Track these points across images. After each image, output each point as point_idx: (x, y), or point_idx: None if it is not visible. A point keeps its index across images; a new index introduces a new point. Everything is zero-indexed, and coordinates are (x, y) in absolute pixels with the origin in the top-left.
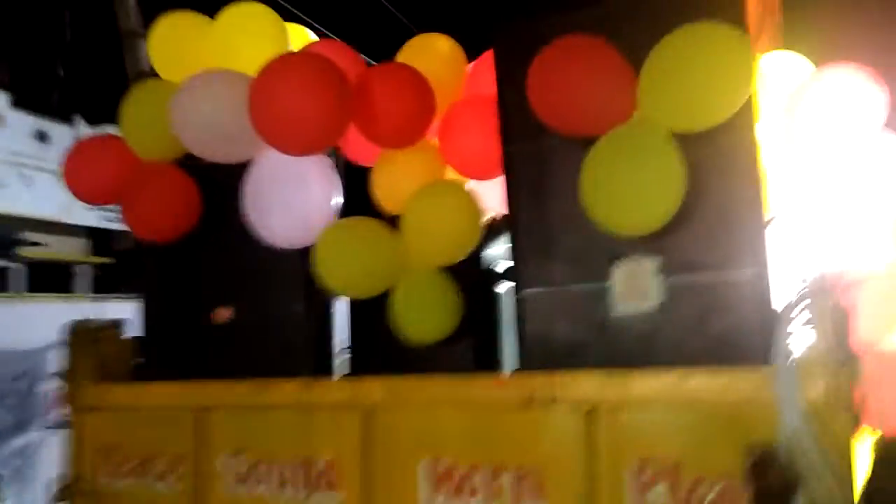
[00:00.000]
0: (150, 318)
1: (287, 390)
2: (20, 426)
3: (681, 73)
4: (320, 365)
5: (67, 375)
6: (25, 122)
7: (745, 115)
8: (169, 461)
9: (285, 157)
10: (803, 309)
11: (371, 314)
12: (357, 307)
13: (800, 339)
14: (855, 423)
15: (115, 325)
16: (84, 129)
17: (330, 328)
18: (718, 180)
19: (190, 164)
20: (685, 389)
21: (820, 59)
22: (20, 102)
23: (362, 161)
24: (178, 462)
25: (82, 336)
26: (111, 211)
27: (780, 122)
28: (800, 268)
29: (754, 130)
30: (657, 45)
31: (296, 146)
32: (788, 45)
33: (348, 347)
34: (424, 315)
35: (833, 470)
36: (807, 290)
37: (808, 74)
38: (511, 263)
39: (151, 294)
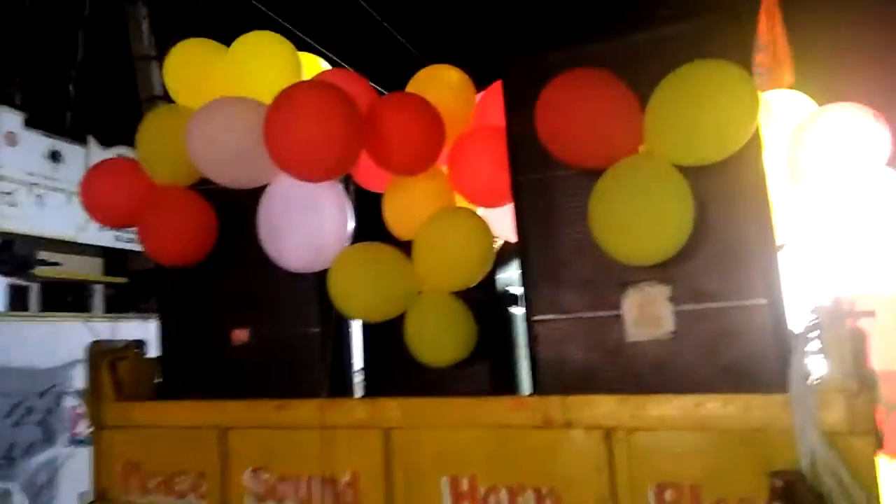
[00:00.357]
0: (167, 337)
1: (307, 409)
2: (47, 440)
3: (686, 109)
4: (338, 385)
5: (88, 394)
6: (39, 141)
7: (753, 147)
8: (192, 478)
9: (299, 183)
10: (819, 334)
11: (385, 336)
12: (370, 330)
13: (816, 364)
14: (877, 445)
15: (135, 344)
16: (97, 151)
17: (347, 348)
18: (729, 210)
19: (205, 188)
20: (701, 414)
21: (822, 98)
22: (33, 122)
23: (374, 187)
24: (201, 479)
25: (102, 355)
26: (125, 231)
27: (785, 157)
28: (812, 294)
29: (762, 162)
30: (664, 80)
31: (309, 173)
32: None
33: (361, 369)
34: (438, 339)
35: (859, 492)
36: (822, 315)
37: (811, 112)
38: (521, 290)
39: (169, 314)
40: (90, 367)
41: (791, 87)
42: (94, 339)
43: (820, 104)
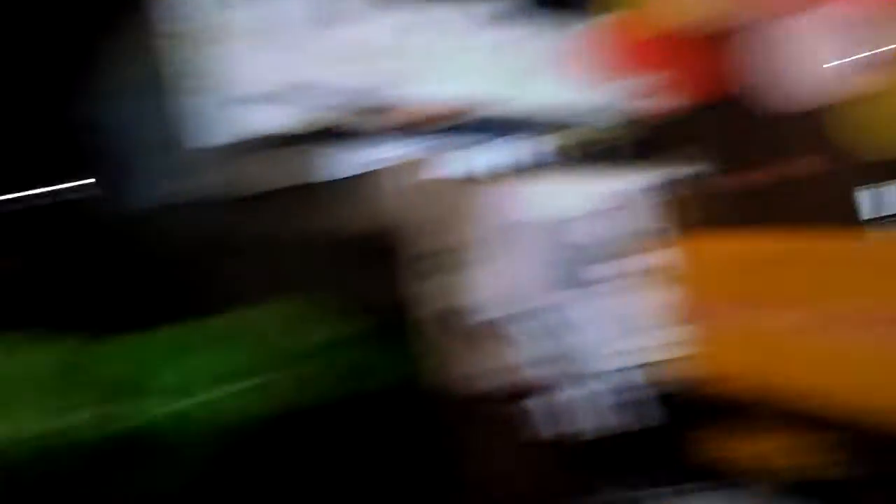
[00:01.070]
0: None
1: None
2: (569, 283)
3: None
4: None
5: (659, 230)
6: (539, 19)
7: None
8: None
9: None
10: None
11: None
12: None
13: None
14: None
15: (682, 184)
16: (582, 21)
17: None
18: None
19: (711, 29)
20: None
21: None
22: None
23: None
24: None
25: (667, 195)
26: (629, 86)
27: None
28: None
29: None
30: None
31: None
32: None
33: None
34: None
35: None
36: None
37: None
38: None
39: (700, 157)
40: (654, 207)
41: None
42: (632, 187)
43: None
